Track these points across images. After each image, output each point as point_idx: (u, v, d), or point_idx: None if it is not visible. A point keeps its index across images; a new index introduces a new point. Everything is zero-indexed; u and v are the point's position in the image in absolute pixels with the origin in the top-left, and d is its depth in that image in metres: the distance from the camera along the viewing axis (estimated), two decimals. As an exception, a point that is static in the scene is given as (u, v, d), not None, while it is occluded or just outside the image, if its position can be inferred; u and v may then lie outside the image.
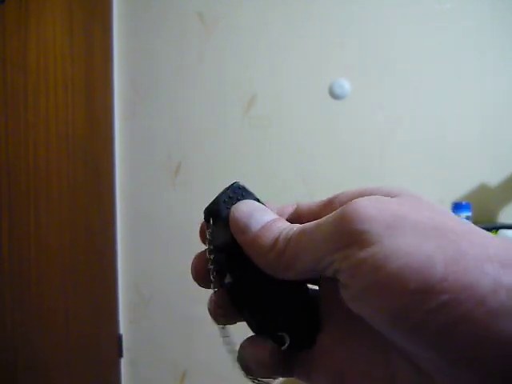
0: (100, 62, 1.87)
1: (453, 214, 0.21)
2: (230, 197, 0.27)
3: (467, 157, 1.82)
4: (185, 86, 1.97)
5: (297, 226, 0.23)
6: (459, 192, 1.82)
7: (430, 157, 1.84)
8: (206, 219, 0.27)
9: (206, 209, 0.28)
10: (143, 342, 2.01)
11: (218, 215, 0.26)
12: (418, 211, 0.20)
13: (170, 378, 2.00)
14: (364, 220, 0.19)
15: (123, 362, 2.00)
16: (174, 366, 1.99)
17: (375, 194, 0.22)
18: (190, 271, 0.26)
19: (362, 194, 0.23)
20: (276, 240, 0.23)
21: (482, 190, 1.81)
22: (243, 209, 0.25)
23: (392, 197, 0.22)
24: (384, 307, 0.18)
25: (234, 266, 0.25)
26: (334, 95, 1.88)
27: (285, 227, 0.23)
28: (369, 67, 1.86)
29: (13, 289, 1.34)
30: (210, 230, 0.26)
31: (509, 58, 1.80)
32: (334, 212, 0.21)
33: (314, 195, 1.90)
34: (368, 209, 0.20)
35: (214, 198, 0.28)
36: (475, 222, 1.60)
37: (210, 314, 0.26)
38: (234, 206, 0.26)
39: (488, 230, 1.64)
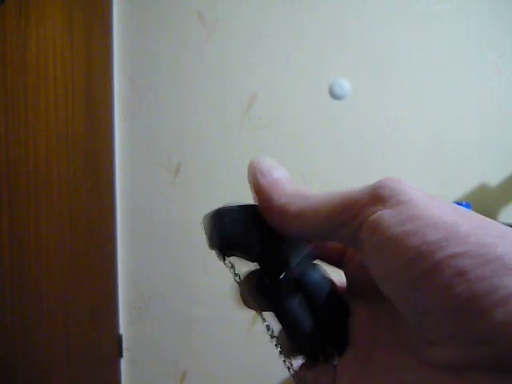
0: (100, 62, 1.87)
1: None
2: (235, 219, 0.24)
3: (467, 157, 1.82)
4: (185, 86, 1.96)
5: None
6: (459, 192, 1.82)
7: (430, 157, 1.84)
8: (225, 254, 0.25)
9: (219, 240, 0.25)
10: (143, 342, 2.01)
11: (235, 242, 0.24)
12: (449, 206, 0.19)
13: (169, 378, 2.00)
14: (408, 184, 0.19)
15: (123, 361, 2.01)
16: (174, 366, 1.99)
17: None
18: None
19: None
20: (296, 190, 0.22)
21: (482, 190, 1.81)
22: (267, 159, 0.24)
23: None
24: (402, 251, 0.17)
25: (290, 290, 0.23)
26: (334, 95, 1.88)
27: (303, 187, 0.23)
28: (369, 67, 1.86)
29: (13, 289, 1.34)
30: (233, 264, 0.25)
31: (509, 57, 1.80)
32: None
33: (314, 195, 1.89)
34: (410, 184, 0.19)
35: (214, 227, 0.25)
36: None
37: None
38: (252, 161, 0.24)
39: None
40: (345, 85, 1.87)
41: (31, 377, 1.40)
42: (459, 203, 1.55)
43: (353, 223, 0.19)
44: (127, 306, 2.00)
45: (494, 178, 1.81)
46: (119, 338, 1.98)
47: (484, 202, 1.79)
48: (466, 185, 1.82)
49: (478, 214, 0.19)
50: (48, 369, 1.48)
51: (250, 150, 1.94)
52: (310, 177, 1.90)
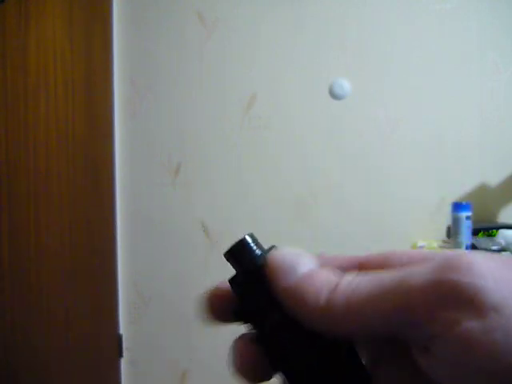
0: (100, 62, 1.87)
1: None
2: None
3: (467, 157, 1.82)
4: (185, 86, 1.96)
5: (362, 274, 0.18)
6: (459, 192, 1.82)
7: (430, 157, 1.84)
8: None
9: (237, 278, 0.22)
10: (143, 342, 2.01)
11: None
12: None
13: (169, 378, 2.00)
14: (483, 275, 0.15)
15: (123, 361, 2.00)
16: (174, 366, 1.99)
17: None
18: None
19: (424, 259, 0.19)
20: (338, 282, 0.18)
21: (482, 190, 1.81)
22: (285, 252, 0.21)
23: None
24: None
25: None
26: (334, 95, 1.88)
27: (340, 273, 0.19)
28: (369, 67, 1.86)
29: (13, 289, 1.34)
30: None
31: (509, 57, 1.80)
32: (434, 260, 0.17)
33: (314, 195, 1.90)
34: (485, 263, 0.15)
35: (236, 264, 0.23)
36: (475, 222, 1.60)
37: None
38: (272, 252, 0.21)
39: (488, 229, 1.64)
40: (345, 85, 1.87)
41: (31, 376, 1.40)
42: (459, 203, 1.55)
43: (423, 328, 0.16)
44: (127, 306, 2.00)
45: (494, 178, 1.81)
46: (119, 338, 1.98)
47: (484, 202, 1.79)
48: (466, 185, 1.82)
49: None
50: (48, 368, 1.49)
51: (250, 150, 1.94)
52: (310, 177, 1.90)
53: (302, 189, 1.91)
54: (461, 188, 1.82)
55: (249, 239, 0.22)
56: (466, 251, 0.17)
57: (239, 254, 0.22)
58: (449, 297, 0.15)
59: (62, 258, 1.57)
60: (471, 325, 0.14)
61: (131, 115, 1.99)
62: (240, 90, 1.93)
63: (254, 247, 0.22)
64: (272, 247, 0.22)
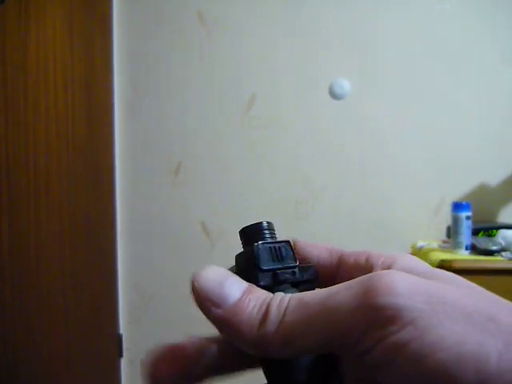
0: (100, 62, 1.87)
1: (503, 301, 0.18)
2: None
3: (467, 157, 1.82)
4: (185, 86, 1.97)
5: (291, 296, 0.19)
6: (459, 192, 1.82)
7: (430, 157, 1.84)
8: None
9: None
10: (143, 342, 2.01)
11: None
12: (459, 293, 0.18)
13: (169, 378, 2.00)
14: (400, 293, 0.17)
15: (123, 361, 2.01)
16: (174, 365, 1.99)
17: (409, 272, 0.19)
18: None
19: (390, 265, 0.21)
20: (266, 311, 0.19)
21: (482, 190, 1.81)
22: (210, 276, 0.20)
23: (428, 278, 0.19)
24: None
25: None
26: (334, 95, 1.88)
27: (271, 296, 0.20)
28: (369, 67, 1.86)
29: (13, 288, 1.34)
30: None
31: (509, 58, 1.80)
32: (356, 281, 0.18)
33: (314, 195, 1.90)
34: (403, 282, 0.17)
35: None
36: (475, 222, 1.60)
37: None
38: (194, 275, 0.20)
39: (488, 229, 1.64)
40: (345, 85, 1.87)
41: (32, 376, 1.40)
42: (459, 203, 1.55)
43: (355, 347, 0.17)
44: (127, 306, 2.00)
45: (493, 178, 1.81)
46: (119, 338, 1.98)
47: (484, 201, 1.79)
48: (466, 185, 1.82)
49: (494, 303, 0.18)
50: (48, 368, 1.49)
51: (250, 150, 1.94)
52: (310, 177, 1.91)
53: (301, 189, 1.91)
54: (461, 188, 1.82)
55: (265, 225, 0.24)
56: (386, 271, 0.19)
57: (251, 235, 0.24)
58: (374, 319, 0.17)
59: (62, 257, 1.57)
60: (394, 339, 0.16)
61: (131, 115, 1.99)
62: (240, 90, 1.93)
63: (267, 235, 0.24)
64: (287, 241, 0.23)
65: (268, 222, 0.24)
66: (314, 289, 0.22)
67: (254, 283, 0.21)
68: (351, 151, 1.89)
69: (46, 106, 1.49)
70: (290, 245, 0.23)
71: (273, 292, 0.21)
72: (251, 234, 0.24)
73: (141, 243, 2.00)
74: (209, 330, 0.22)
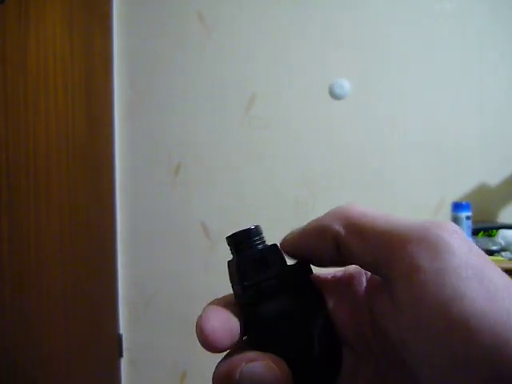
0: (100, 62, 1.87)
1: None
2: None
3: (467, 157, 1.82)
4: (185, 85, 1.96)
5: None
6: (459, 192, 1.82)
7: (430, 157, 1.84)
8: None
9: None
10: (143, 342, 2.01)
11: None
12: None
13: (169, 378, 2.00)
14: (449, 228, 0.18)
15: (123, 361, 2.01)
16: (174, 366, 1.99)
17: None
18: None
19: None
20: None
21: (482, 190, 1.81)
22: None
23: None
24: (447, 351, 0.16)
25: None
26: (334, 95, 1.88)
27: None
28: (369, 67, 1.86)
29: (13, 289, 1.34)
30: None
31: (509, 58, 1.80)
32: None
33: (314, 195, 1.90)
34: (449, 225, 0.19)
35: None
36: (475, 222, 1.60)
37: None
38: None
39: (488, 229, 1.64)
40: (345, 85, 1.87)
41: (31, 376, 1.40)
42: (459, 203, 1.55)
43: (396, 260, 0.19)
44: (127, 306, 2.00)
45: (493, 178, 1.81)
46: (119, 338, 1.98)
47: (484, 201, 1.79)
48: (466, 185, 1.82)
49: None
50: (48, 368, 1.49)
51: (250, 150, 1.94)
52: (310, 176, 1.91)
53: (301, 189, 1.91)
54: (461, 188, 1.82)
55: (252, 231, 0.23)
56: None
57: (238, 242, 0.23)
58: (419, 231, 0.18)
59: (62, 257, 1.57)
60: (430, 262, 0.17)
61: (131, 115, 1.99)
62: (240, 90, 1.93)
63: (258, 241, 0.23)
64: (273, 245, 0.23)
65: (255, 227, 0.24)
66: (305, 285, 0.23)
67: (238, 300, 0.22)
68: (351, 151, 1.88)
69: (46, 106, 1.49)
70: (277, 248, 0.23)
71: (258, 306, 0.22)
72: (238, 241, 0.23)
73: (141, 243, 2.00)
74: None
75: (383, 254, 0.19)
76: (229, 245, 0.24)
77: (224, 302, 0.22)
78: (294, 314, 0.22)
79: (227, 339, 0.21)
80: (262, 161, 1.93)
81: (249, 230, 0.23)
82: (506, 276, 0.18)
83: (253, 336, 0.22)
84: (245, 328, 0.22)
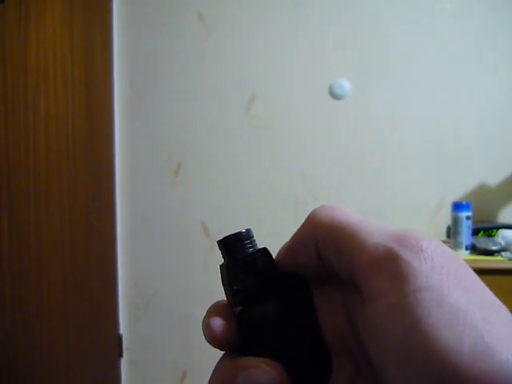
0: (100, 62, 1.87)
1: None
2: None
3: (467, 157, 1.82)
4: (185, 85, 1.97)
5: None
6: (459, 192, 1.82)
7: (430, 157, 1.84)
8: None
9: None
10: (143, 342, 2.01)
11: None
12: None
13: (169, 378, 2.00)
14: (422, 238, 0.18)
15: (123, 361, 2.01)
16: (174, 365, 1.99)
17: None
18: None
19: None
20: None
21: (482, 190, 1.81)
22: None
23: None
24: (407, 376, 0.16)
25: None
26: (334, 95, 1.88)
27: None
28: (369, 67, 1.86)
29: (13, 288, 1.34)
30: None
31: (509, 58, 1.80)
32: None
33: (314, 195, 1.90)
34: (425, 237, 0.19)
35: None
36: (475, 222, 1.60)
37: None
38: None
39: (488, 229, 1.64)
40: (345, 85, 1.87)
41: (31, 376, 1.40)
42: (459, 203, 1.55)
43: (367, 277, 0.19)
44: (127, 306, 2.00)
45: (493, 178, 1.81)
46: (119, 338, 1.98)
47: (484, 201, 1.79)
48: (466, 185, 1.82)
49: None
50: (48, 369, 1.48)
51: (250, 150, 1.94)
52: (310, 176, 1.91)
53: (301, 189, 1.91)
54: (461, 188, 1.82)
55: (244, 235, 0.23)
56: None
57: (228, 247, 0.23)
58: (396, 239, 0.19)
59: (62, 257, 1.57)
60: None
61: (131, 115, 1.99)
62: (240, 90, 1.93)
63: (248, 245, 0.23)
64: (263, 249, 0.23)
65: (246, 231, 0.24)
66: (294, 288, 0.23)
67: (229, 304, 0.23)
68: (351, 151, 1.89)
69: (46, 106, 1.49)
70: (267, 251, 0.23)
71: (247, 310, 0.22)
72: (228, 245, 0.23)
73: (141, 243, 2.00)
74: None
75: (355, 272, 0.19)
76: (220, 249, 0.24)
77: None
78: (284, 317, 0.22)
79: (233, 336, 0.22)
80: (262, 161, 1.93)
81: (239, 233, 0.23)
82: (475, 285, 0.17)
83: (243, 340, 0.22)
84: (237, 331, 0.22)
